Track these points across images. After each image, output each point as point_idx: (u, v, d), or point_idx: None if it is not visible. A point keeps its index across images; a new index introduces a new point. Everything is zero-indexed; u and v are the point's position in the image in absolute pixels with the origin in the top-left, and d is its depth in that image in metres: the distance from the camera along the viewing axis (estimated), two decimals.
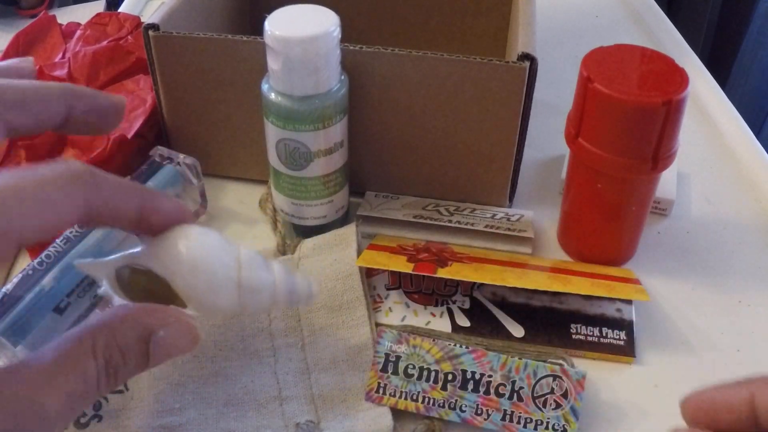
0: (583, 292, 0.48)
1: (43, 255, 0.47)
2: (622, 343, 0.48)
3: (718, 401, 0.31)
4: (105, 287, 0.38)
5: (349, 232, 0.51)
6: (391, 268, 0.49)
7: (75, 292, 0.48)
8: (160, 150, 0.55)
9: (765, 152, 0.64)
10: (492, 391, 0.43)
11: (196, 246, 0.37)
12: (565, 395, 0.43)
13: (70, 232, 0.49)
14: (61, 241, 0.48)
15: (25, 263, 0.54)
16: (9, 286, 0.45)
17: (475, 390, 0.44)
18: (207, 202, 0.57)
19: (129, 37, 0.63)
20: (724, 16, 1.35)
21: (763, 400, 0.30)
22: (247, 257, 0.38)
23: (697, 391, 0.32)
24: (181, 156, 0.55)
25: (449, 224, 0.55)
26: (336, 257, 0.50)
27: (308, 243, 0.52)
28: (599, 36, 0.83)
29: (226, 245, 0.38)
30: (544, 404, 0.43)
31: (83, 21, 0.66)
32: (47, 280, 0.46)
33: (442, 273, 0.48)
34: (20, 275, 0.46)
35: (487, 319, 0.50)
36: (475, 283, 0.51)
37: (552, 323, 0.49)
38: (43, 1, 1.17)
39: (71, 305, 0.47)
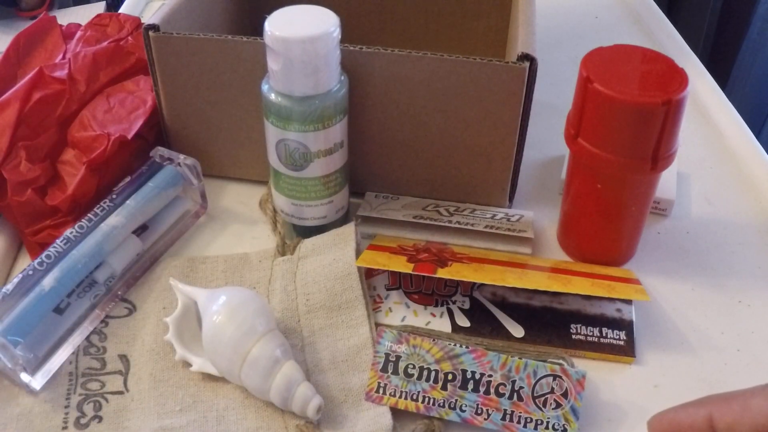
0: (583, 292, 0.48)
1: (43, 255, 0.47)
2: (622, 343, 0.48)
3: (680, 421, 0.34)
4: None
5: (348, 231, 0.51)
6: (391, 268, 0.49)
7: (75, 292, 0.48)
8: (161, 151, 0.55)
9: (765, 153, 0.64)
10: (492, 390, 0.43)
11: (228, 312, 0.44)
12: (565, 395, 0.43)
13: (70, 232, 0.49)
14: (61, 242, 0.48)
15: (25, 263, 0.54)
16: (9, 286, 0.45)
17: (475, 390, 0.44)
18: (207, 203, 0.57)
19: (129, 37, 0.63)
20: (724, 18, 1.35)
21: (721, 419, 0.32)
22: (263, 342, 0.43)
23: (660, 412, 0.35)
24: (182, 157, 0.55)
25: (449, 225, 0.55)
26: (335, 257, 0.50)
27: (308, 243, 0.52)
28: (599, 36, 0.83)
29: (254, 326, 0.44)
30: (544, 404, 0.43)
31: (83, 22, 0.66)
32: (47, 280, 0.46)
33: (442, 273, 0.48)
34: (20, 275, 0.46)
35: (487, 319, 0.50)
36: (475, 283, 0.51)
37: (552, 323, 0.49)
38: (43, 3, 1.17)
39: (71, 305, 0.48)
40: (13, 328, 0.44)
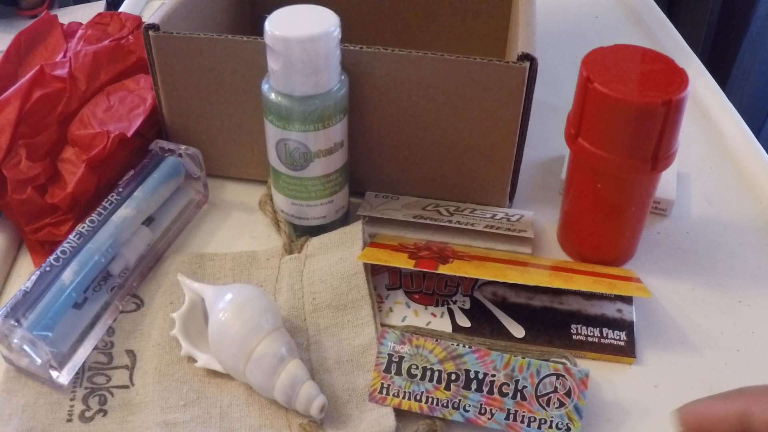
0: (585, 289, 0.48)
1: (58, 251, 0.47)
2: (622, 343, 0.48)
3: (710, 413, 0.33)
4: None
5: (356, 230, 0.51)
6: (392, 264, 0.49)
7: (91, 286, 0.48)
8: (160, 143, 0.56)
9: (765, 153, 0.65)
10: (495, 390, 0.43)
11: (234, 308, 0.44)
12: (568, 394, 0.43)
13: (82, 227, 0.49)
14: (74, 236, 0.49)
15: (25, 262, 0.54)
16: (28, 283, 0.45)
17: (479, 389, 0.44)
18: (208, 192, 0.58)
19: (130, 36, 0.63)
20: (723, 18, 1.35)
21: (761, 414, 0.31)
22: (269, 340, 0.43)
23: (691, 403, 0.34)
24: (182, 147, 0.55)
25: (449, 224, 0.55)
26: (341, 256, 0.50)
27: (315, 242, 0.52)
28: (599, 36, 0.83)
29: (260, 320, 0.43)
30: (548, 403, 0.43)
31: (84, 21, 0.66)
32: (67, 275, 0.46)
33: (444, 269, 0.48)
34: (38, 272, 0.46)
35: (487, 319, 0.50)
36: (475, 283, 0.51)
37: (552, 324, 0.49)
38: (43, 2, 1.17)
39: (89, 300, 0.48)
40: (39, 323, 0.44)
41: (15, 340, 0.43)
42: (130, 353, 0.47)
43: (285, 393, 0.42)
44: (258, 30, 0.48)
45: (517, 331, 0.49)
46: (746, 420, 0.31)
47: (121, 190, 0.52)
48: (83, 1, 1.22)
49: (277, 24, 0.46)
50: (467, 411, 0.43)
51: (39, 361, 0.43)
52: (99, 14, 0.66)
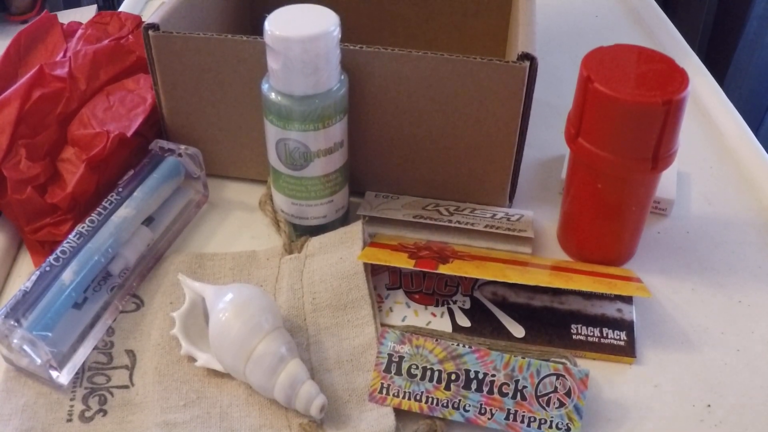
0: (585, 289, 0.48)
1: (58, 251, 0.47)
2: (622, 343, 0.48)
3: None
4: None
5: (356, 230, 0.51)
6: (392, 264, 0.49)
7: (91, 286, 0.48)
8: (160, 143, 0.55)
9: (765, 152, 0.65)
10: (495, 390, 0.43)
11: (236, 306, 0.44)
12: (568, 394, 0.43)
13: (82, 227, 0.49)
14: (74, 236, 0.48)
15: (25, 261, 0.54)
16: (28, 283, 0.45)
17: (479, 389, 0.44)
18: (208, 191, 0.58)
19: (130, 36, 0.63)
20: (719, 18, 1.35)
21: None
22: (269, 340, 0.43)
23: None
24: (182, 147, 0.55)
25: (449, 224, 0.55)
26: (341, 255, 0.50)
27: (314, 241, 0.52)
28: (599, 36, 0.83)
29: (261, 318, 0.44)
30: (548, 403, 0.43)
31: (82, 21, 0.66)
32: (67, 275, 0.46)
33: (444, 269, 0.48)
34: (37, 272, 0.46)
35: (487, 319, 0.50)
36: (475, 283, 0.51)
37: (552, 323, 0.49)
38: (33, 7, 1.17)
39: (88, 300, 0.48)
40: (39, 323, 0.44)
41: (15, 340, 0.43)
42: (130, 353, 0.47)
43: (285, 393, 0.42)
44: (258, 29, 0.48)
45: (517, 331, 0.49)
46: None
47: (121, 189, 0.52)
48: (74, 5, 1.22)
49: (277, 23, 0.46)
50: (467, 411, 0.43)
51: (39, 361, 0.43)
52: (99, 14, 0.66)
